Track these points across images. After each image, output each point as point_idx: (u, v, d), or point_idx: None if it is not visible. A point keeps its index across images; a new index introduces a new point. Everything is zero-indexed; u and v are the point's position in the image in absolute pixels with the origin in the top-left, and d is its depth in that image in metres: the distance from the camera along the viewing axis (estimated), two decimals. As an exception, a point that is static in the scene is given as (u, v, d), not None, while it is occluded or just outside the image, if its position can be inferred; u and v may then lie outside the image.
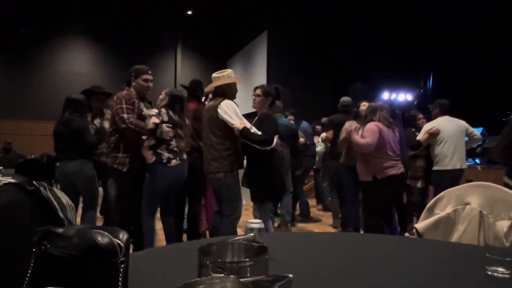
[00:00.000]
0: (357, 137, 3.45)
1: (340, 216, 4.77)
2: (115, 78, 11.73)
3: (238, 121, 2.88)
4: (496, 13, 7.34)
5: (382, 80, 9.72)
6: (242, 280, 0.55)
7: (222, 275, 0.61)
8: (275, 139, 2.99)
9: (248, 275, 0.64)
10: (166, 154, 3.03)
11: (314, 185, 7.10)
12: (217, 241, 0.78)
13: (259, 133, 2.90)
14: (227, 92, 3.05)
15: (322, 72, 10.28)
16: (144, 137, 2.99)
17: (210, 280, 0.55)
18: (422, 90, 9.89)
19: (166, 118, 3.05)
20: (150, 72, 3.24)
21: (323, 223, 5.35)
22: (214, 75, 3.10)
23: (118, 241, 0.69)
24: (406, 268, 1.03)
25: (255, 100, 3.22)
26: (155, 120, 2.97)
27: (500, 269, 0.92)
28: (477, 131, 4.34)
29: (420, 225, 1.70)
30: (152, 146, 3.02)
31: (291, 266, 1.01)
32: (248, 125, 2.93)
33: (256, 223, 1.02)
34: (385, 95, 9.77)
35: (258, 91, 3.22)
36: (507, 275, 0.91)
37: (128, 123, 2.96)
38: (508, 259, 0.92)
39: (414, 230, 1.74)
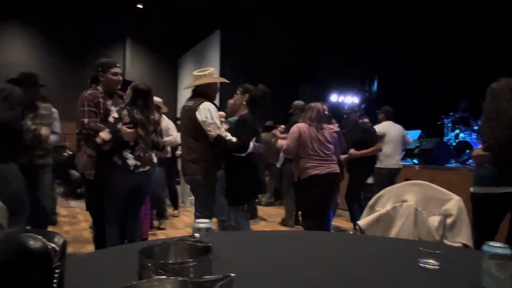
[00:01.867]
0: (279, 142, 3.44)
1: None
2: (57, 69, 10.99)
3: (214, 128, 2.82)
4: (434, 23, 7.91)
5: (331, 83, 10.11)
6: (182, 281, 0.54)
7: (164, 277, 0.60)
8: (252, 143, 2.92)
9: (192, 275, 0.63)
10: (132, 161, 2.76)
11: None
12: (160, 243, 0.76)
13: (234, 139, 2.86)
14: (207, 92, 2.96)
15: (273, 73, 10.40)
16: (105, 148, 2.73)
17: (149, 282, 0.53)
18: (367, 94, 10.41)
19: (127, 119, 2.75)
20: (118, 65, 3.03)
21: (273, 221, 5.46)
22: (195, 73, 3.01)
23: (53, 245, 0.65)
24: (345, 263, 1.08)
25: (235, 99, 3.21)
26: (105, 135, 2.65)
27: (431, 261, 1.00)
28: (409, 137, 5.10)
29: (362, 222, 1.79)
30: (116, 149, 2.73)
31: (236, 265, 1.01)
32: (224, 133, 2.88)
33: (203, 223, 1.00)
34: (333, 97, 10.19)
35: (238, 90, 3.19)
36: (437, 266, 0.99)
37: (88, 128, 2.75)
38: (438, 251, 1.00)
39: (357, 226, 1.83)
